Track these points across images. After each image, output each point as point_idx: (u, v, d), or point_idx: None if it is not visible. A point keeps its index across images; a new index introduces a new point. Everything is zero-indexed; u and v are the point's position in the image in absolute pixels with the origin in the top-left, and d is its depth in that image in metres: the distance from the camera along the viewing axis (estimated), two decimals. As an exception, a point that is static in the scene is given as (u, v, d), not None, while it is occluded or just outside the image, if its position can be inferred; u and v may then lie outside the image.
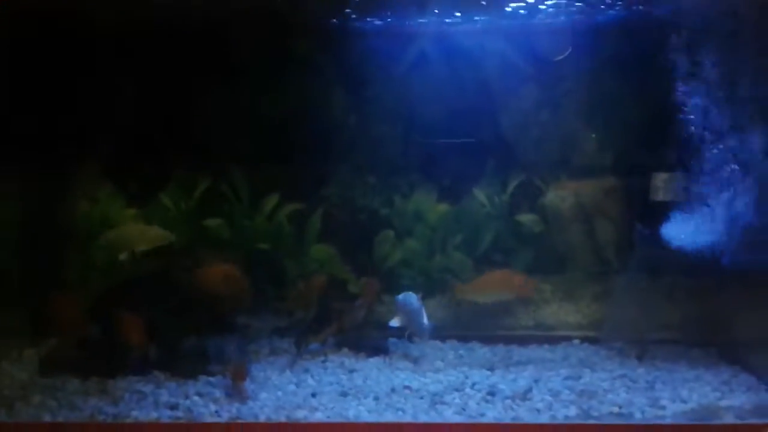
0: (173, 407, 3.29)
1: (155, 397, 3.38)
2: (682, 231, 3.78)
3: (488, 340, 4.25)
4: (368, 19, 4.35)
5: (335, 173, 4.60)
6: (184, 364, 3.63)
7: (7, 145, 4.21)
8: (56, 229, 4.34)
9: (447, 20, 4.36)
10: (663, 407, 3.32)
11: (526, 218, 4.53)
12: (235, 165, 4.50)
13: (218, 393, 3.45)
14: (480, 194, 4.54)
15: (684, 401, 3.39)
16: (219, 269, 3.90)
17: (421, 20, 4.37)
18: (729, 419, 3.21)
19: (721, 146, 3.68)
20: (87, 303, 4.00)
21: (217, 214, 4.47)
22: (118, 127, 4.46)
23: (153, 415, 3.21)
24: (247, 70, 4.45)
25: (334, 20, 4.36)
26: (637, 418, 3.23)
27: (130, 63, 4.38)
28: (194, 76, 4.43)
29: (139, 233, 4.04)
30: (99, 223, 4.35)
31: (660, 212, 3.86)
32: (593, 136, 4.53)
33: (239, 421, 3.18)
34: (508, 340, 4.25)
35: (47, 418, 3.22)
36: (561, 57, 4.39)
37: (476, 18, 4.35)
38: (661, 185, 4.11)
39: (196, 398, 3.38)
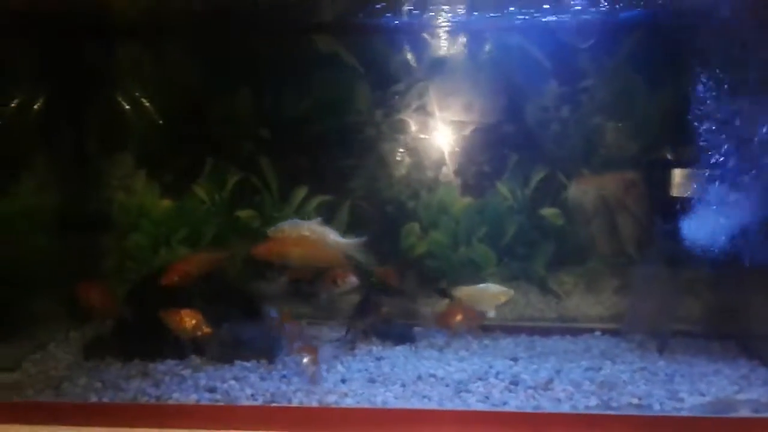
0: (212, 390, 3.45)
1: (194, 381, 3.54)
2: (702, 225, 3.84)
3: (512, 330, 4.36)
4: (393, 14, 4.43)
5: (362, 166, 4.71)
6: (220, 350, 3.79)
7: (50, 136, 4.41)
8: (97, 217, 4.52)
9: (465, 15, 4.42)
10: (681, 400, 3.41)
11: (548, 212, 4.62)
12: (264, 157, 4.62)
13: (253, 377, 3.60)
14: (503, 188, 4.64)
15: (702, 394, 3.47)
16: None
17: (439, 15, 4.44)
18: (745, 412, 3.29)
19: (742, 142, 3.74)
20: (124, 290, 4.19)
21: (248, 206, 4.61)
22: (151, 118, 4.62)
23: (193, 397, 3.38)
24: (276, 64, 4.56)
25: (359, 16, 4.45)
26: (656, 409, 3.33)
27: (163, 57, 4.53)
28: (225, 69, 4.56)
29: (484, 294, 4.01)
30: (136, 213, 4.52)
31: (680, 207, 3.93)
32: (616, 129, 4.59)
33: (274, 404, 3.33)
34: (531, 331, 4.36)
35: (93, 398, 3.40)
36: (585, 45, 4.44)
37: (498, 13, 4.42)
38: (681, 181, 4.17)
39: (232, 382, 3.53)
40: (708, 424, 3.22)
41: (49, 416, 3.24)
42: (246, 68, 4.56)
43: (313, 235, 3.88)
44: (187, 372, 3.65)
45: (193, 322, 3.64)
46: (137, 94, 4.60)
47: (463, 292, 3.99)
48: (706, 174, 3.87)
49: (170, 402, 3.34)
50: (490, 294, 3.97)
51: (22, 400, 3.41)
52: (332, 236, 3.91)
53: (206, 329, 3.65)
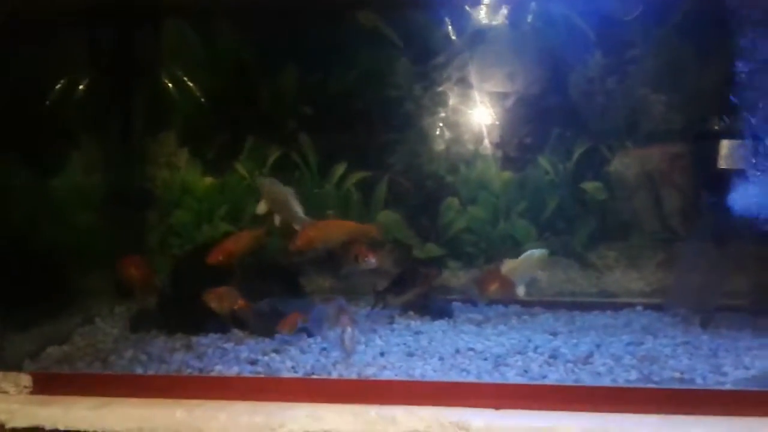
0: (253, 363, 3.52)
1: (236, 353, 3.62)
2: (749, 198, 3.76)
3: (550, 306, 4.33)
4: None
5: (401, 141, 4.70)
6: (261, 323, 3.85)
7: (98, 116, 4.52)
8: (142, 195, 4.63)
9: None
10: (725, 374, 3.35)
11: (590, 186, 4.56)
12: (304, 134, 4.65)
13: (293, 350, 3.66)
14: (544, 162, 4.58)
15: (746, 368, 3.41)
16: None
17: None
18: (791, 387, 3.22)
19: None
20: (167, 264, 4.32)
21: (287, 182, 4.65)
22: (194, 97, 4.69)
23: (235, 370, 3.45)
24: (315, 40, 4.57)
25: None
26: (698, 383, 3.28)
27: (207, 35, 4.60)
28: (268, 46, 4.60)
29: (531, 260, 4.10)
30: (179, 190, 4.62)
31: (727, 180, 3.85)
32: (662, 100, 4.49)
33: (314, 376, 3.39)
34: (571, 306, 4.32)
35: (139, 370, 3.50)
36: (630, 17, 4.34)
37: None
38: (728, 152, 4.07)
39: (273, 355, 3.59)
40: (752, 397, 3.16)
41: (97, 387, 3.34)
42: (286, 45, 4.58)
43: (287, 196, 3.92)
44: (229, 345, 3.73)
45: (229, 297, 3.73)
46: (180, 73, 4.66)
47: (511, 264, 4.01)
48: (754, 146, 3.77)
49: (213, 374, 3.42)
50: (536, 258, 4.04)
51: (72, 371, 3.54)
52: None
53: (241, 302, 3.73)
